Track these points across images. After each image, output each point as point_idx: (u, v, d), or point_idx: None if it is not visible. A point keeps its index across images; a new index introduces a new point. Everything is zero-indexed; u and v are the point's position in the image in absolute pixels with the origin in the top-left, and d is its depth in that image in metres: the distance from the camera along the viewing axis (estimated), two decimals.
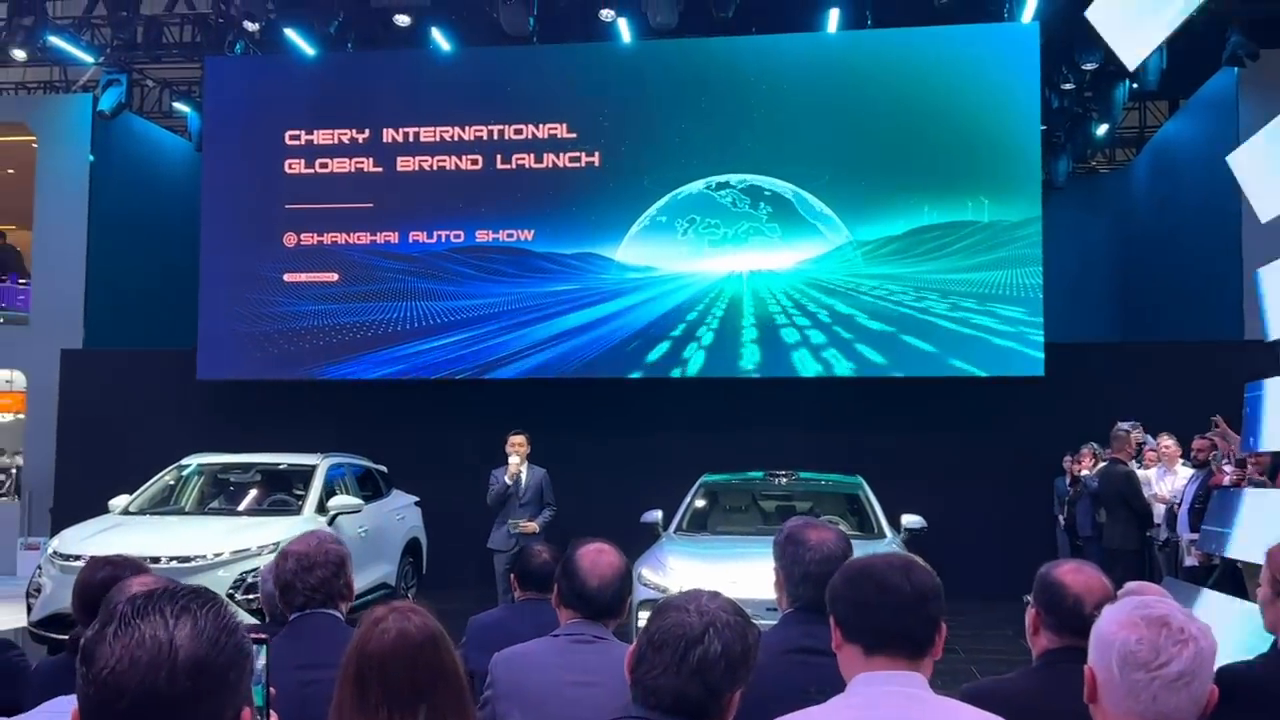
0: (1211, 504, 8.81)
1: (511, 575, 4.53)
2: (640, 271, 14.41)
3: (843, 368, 13.86)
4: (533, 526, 10.19)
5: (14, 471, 17.36)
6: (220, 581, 9.50)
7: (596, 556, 3.33)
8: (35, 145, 17.35)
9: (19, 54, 16.19)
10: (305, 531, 3.82)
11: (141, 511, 11.06)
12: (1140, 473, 10.69)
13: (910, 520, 10.07)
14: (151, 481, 11.68)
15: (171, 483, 11.78)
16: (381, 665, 2.29)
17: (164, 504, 11.47)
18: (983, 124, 13.82)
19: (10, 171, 20.05)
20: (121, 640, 1.41)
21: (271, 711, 1.94)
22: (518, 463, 10.28)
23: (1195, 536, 9.42)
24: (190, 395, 15.44)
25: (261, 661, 1.76)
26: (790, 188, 14.22)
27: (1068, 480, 13.16)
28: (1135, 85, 16.26)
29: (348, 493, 11.67)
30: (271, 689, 1.90)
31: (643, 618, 8.30)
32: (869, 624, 2.23)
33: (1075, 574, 2.86)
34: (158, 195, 18.40)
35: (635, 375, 14.28)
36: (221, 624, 1.46)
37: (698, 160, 14.38)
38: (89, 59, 16.90)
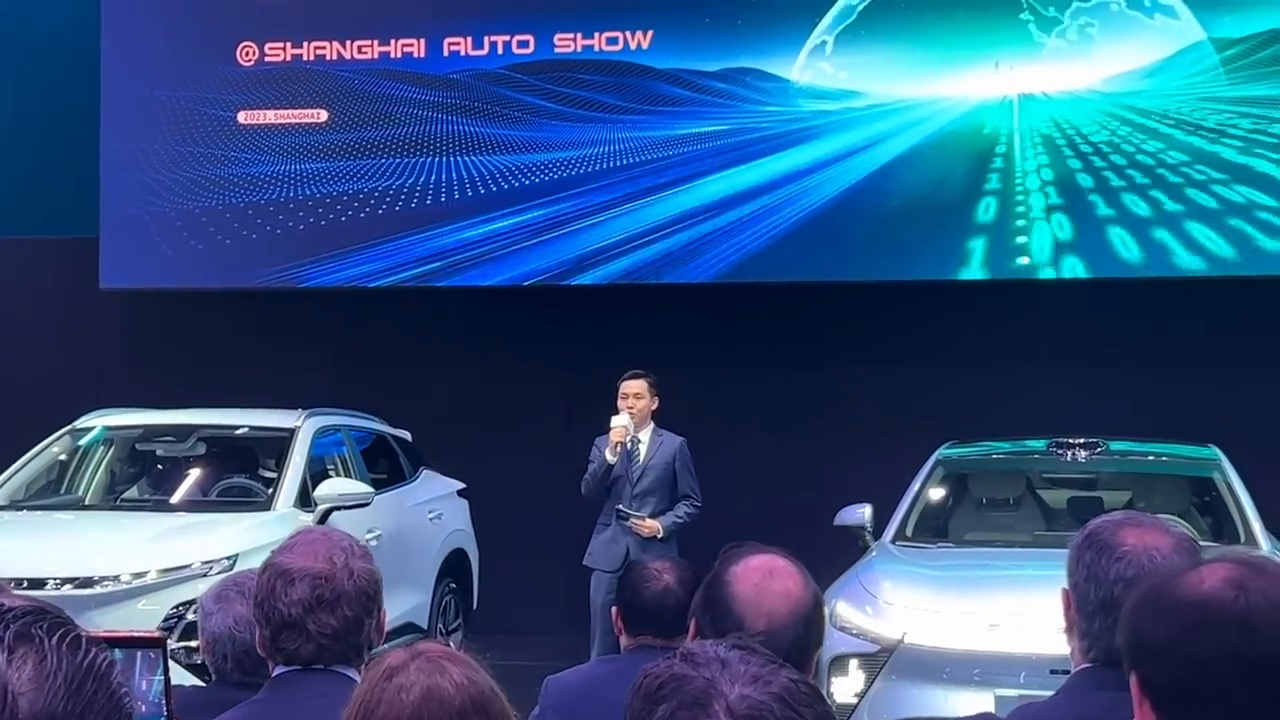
0: None
1: (614, 610, 4.59)
2: (833, 100, 14.33)
3: (1186, 260, 13.64)
4: (653, 526, 10.28)
5: None
6: (143, 619, 9.70)
7: (765, 580, 3.29)
8: None
9: None
10: (304, 530, 3.84)
11: (14, 505, 11.35)
12: None
13: None
14: (28, 457, 11.93)
15: (62, 458, 12.02)
16: None
17: (50, 492, 11.76)
18: None
19: None
20: None
21: None
22: (624, 426, 10.32)
23: None
24: (91, 315, 15.75)
25: (158, 675, 1.80)
26: None
27: None
28: None
29: (349, 474, 11.88)
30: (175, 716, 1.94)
31: (837, 685, 8.34)
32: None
33: None
34: None
35: (822, 278, 14.22)
36: (84, 661, 1.48)
37: None
38: None
